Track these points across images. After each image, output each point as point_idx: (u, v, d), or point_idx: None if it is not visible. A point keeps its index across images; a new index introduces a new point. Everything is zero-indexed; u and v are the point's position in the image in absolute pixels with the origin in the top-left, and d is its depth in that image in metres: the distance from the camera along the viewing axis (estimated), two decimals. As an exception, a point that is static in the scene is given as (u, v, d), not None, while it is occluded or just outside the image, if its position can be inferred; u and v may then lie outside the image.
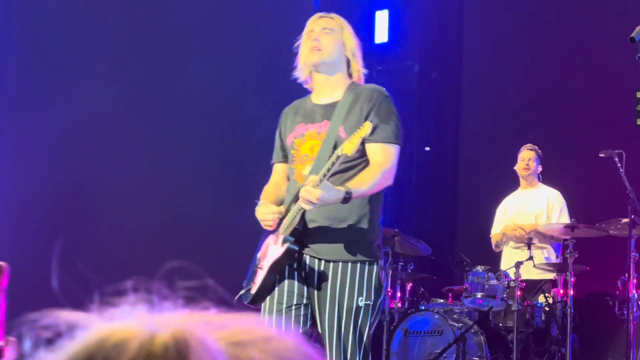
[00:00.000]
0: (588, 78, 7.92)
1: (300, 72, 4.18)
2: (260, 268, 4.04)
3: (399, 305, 7.18)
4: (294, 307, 3.95)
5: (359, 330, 3.90)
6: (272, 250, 4.01)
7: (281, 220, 4.00)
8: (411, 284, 7.40)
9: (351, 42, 4.17)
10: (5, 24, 9.18)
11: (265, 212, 4.01)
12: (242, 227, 4.54)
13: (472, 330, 6.74)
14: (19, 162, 8.70)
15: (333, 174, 3.78)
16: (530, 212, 7.13)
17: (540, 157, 7.26)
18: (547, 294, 6.79)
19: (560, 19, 8.31)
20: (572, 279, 6.42)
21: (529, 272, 6.77)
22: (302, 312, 3.96)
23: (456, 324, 6.75)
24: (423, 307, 7.04)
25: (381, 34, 8.82)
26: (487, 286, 6.71)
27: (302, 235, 3.93)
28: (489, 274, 6.74)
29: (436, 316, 6.82)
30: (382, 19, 8.83)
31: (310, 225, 3.92)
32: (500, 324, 6.77)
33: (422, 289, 7.40)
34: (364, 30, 8.80)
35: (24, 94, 8.83)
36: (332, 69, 4.12)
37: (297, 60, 4.18)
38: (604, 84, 7.75)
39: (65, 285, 1.06)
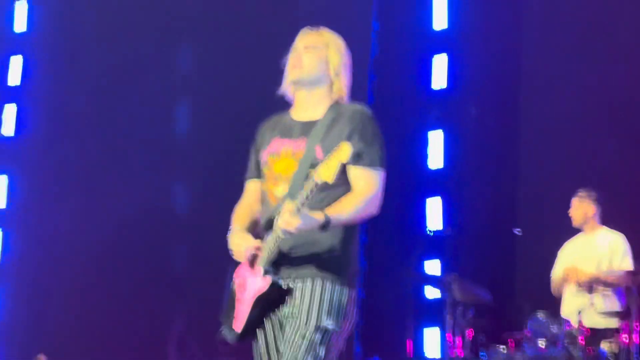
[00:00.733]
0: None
1: (285, 89, 4.03)
2: (240, 303, 3.85)
3: (459, 354, 7.07)
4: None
5: (317, 354, 3.68)
6: (252, 282, 3.83)
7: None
8: (471, 331, 7.28)
9: (336, 59, 3.99)
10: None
11: (241, 243, 3.83)
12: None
13: (534, 379, 6.61)
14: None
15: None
16: (591, 258, 6.99)
17: (597, 200, 7.12)
18: (611, 341, 6.63)
19: (623, 65, 8.22)
20: (637, 327, 6.28)
21: (592, 319, 6.62)
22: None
23: (518, 372, 6.62)
24: (483, 355, 6.92)
25: (439, 79, 8.78)
26: (548, 333, 6.58)
27: (277, 263, 3.76)
28: (550, 320, 6.61)
29: (497, 364, 6.71)
30: (440, 63, 8.79)
31: (284, 250, 3.73)
32: (563, 372, 6.62)
33: (482, 336, 7.28)
34: (422, 75, 8.78)
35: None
36: (313, 87, 3.96)
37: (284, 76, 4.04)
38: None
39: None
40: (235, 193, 4.00)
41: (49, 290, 9.14)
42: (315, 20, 4.15)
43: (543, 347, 6.56)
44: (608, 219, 7.12)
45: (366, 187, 3.70)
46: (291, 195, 3.71)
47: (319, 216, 3.61)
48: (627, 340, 6.40)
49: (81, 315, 8.89)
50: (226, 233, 3.83)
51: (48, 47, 9.80)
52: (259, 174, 4.03)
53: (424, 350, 8.29)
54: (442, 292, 7.35)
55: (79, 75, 9.55)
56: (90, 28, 9.59)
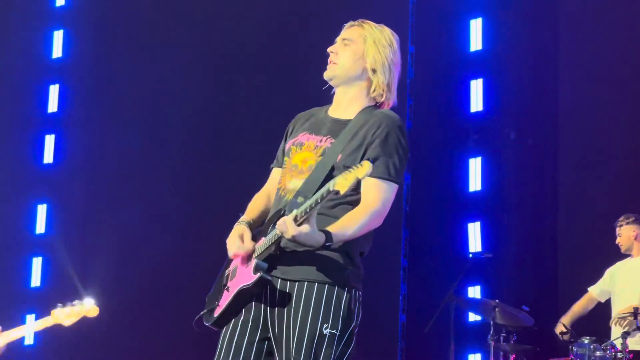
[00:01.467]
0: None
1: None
2: (226, 289, 3.72)
3: (503, 379, 7.04)
4: (255, 342, 3.62)
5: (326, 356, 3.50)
6: (241, 272, 3.69)
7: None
8: (514, 356, 7.23)
9: (374, 54, 3.76)
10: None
11: (232, 244, 3.70)
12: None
13: (580, 404, 6.55)
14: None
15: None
16: (637, 282, 6.96)
17: (638, 221, 7.13)
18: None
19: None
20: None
21: (638, 343, 6.57)
22: (261, 348, 3.63)
23: (563, 398, 6.57)
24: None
25: (476, 103, 8.76)
26: (593, 358, 6.51)
27: (273, 257, 3.61)
28: (595, 345, 6.55)
29: (542, 390, 6.65)
30: (477, 87, 8.78)
31: (283, 248, 3.59)
32: (608, 397, 6.55)
33: (526, 361, 7.24)
34: (460, 99, 8.76)
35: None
36: (349, 84, 3.78)
37: None
38: None
39: None
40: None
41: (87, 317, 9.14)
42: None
43: (588, 371, 6.50)
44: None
45: (374, 201, 3.55)
46: (302, 193, 3.60)
47: (320, 236, 3.45)
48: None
49: (120, 344, 8.91)
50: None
51: (85, 74, 9.86)
52: (282, 163, 3.90)
53: (467, 375, 8.26)
54: (484, 316, 7.32)
55: (116, 101, 9.60)
56: (127, 55, 9.65)
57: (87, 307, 5.59)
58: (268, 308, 3.63)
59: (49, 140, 9.79)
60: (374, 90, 3.77)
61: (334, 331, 3.54)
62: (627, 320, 6.66)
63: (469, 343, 8.11)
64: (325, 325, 3.53)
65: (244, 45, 9.12)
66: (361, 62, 3.78)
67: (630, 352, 6.44)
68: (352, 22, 3.90)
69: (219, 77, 9.14)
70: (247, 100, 8.94)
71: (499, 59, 8.75)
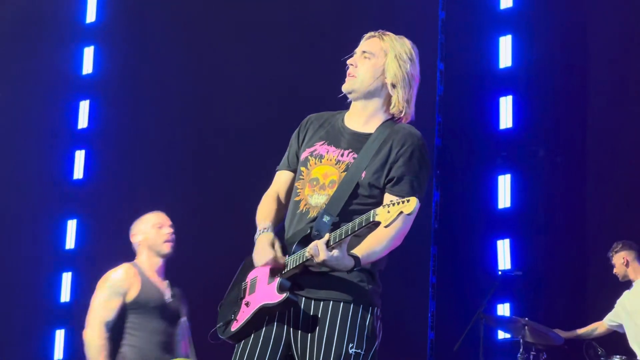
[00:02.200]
0: None
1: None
2: (245, 304, 3.67)
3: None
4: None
5: None
6: (263, 288, 3.64)
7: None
8: (544, 374, 7.19)
9: (394, 69, 3.69)
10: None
11: (268, 252, 3.57)
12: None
13: None
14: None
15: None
16: None
17: (631, 246, 7.15)
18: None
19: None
20: None
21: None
22: None
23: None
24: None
25: (506, 120, 8.74)
26: (623, 376, 6.48)
27: (296, 275, 3.57)
28: (625, 364, 6.52)
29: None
30: (506, 104, 8.76)
31: (307, 267, 3.56)
32: (639, 417, 6.51)
33: (556, 380, 7.19)
34: (489, 116, 8.74)
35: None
36: (369, 99, 3.73)
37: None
38: None
39: None
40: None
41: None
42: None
43: (619, 391, 6.46)
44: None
45: (398, 220, 3.41)
46: (327, 211, 3.58)
47: (349, 261, 3.44)
48: None
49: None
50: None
51: (114, 90, 9.92)
52: (292, 166, 3.84)
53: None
54: (513, 335, 7.29)
55: (145, 117, 9.65)
56: (156, 71, 9.70)
57: None
58: (292, 326, 3.60)
59: (79, 156, 9.85)
60: (394, 106, 3.74)
61: (359, 350, 3.53)
62: None
63: (499, 362, 8.08)
64: (350, 345, 3.52)
65: (276, 60, 9.13)
66: (381, 77, 3.73)
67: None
68: (372, 33, 3.85)
69: (251, 91, 9.15)
70: (275, 109, 8.92)
71: (528, 76, 8.73)
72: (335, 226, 3.51)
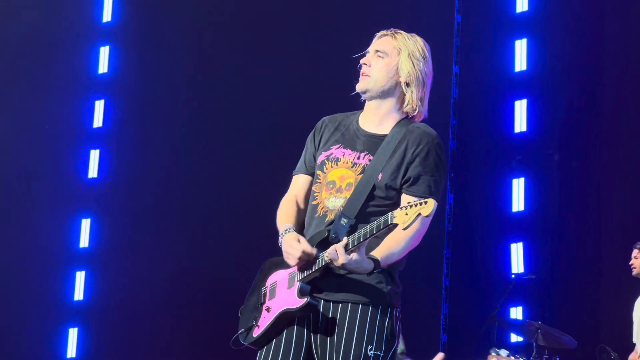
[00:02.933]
0: None
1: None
2: (266, 309, 3.68)
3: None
4: None
5: None
6: (283, 293, 3.64)
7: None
8: (557, 378, 7.18)
9: (408, 67, 3.69)
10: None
11: (297, 247, 3.54)
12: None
13: None
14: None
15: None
16: None
17: None
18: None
19: None
20: None
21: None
22: None
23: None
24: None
25: (520, 123, 8.73)
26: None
27: (316, 278, 3.57)
28: (639, 367, 6.50)
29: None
30: (521, 108, 8.75)
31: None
32: (652, 422, 6.49)
33: (568, 384, 7.18)
34: (504, 119, 8.73)
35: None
36: (383, 98, 3.72)
37: None
38: None
39: None
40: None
41: (130, 332, 9.20)
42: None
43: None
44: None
45: (416, 221, 3.43)
46: (345, 214, 3.58)
47: (368, 264, 3.45)
48: None
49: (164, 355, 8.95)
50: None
51: (130, 90, 9.94)
52: (309, 169, 3.84)
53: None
54: (526, 338, 7.28)
55: (160, 117, 9.67)
56: (171, 71, 9.71)
57: None
58: (312, 329, 3.62)
59: (94, 155, 9.87)
60: (407, 105, 3.74)
61: (379, 352, 3.54)
62: None
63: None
64: (370, 347, 3.53)
65: (291, 61, 9.13)
66: (395, 76, 3.74)
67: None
68: (384, 32, 3.85)
69: (266, 91, 9.16)
70: (290, 110, 8.91)
71: (543, 80, 8.72)
72: (352, 228, 3.52)
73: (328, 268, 3.56)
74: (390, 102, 3.77)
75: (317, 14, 9.21)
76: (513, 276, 7.94)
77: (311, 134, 3.92)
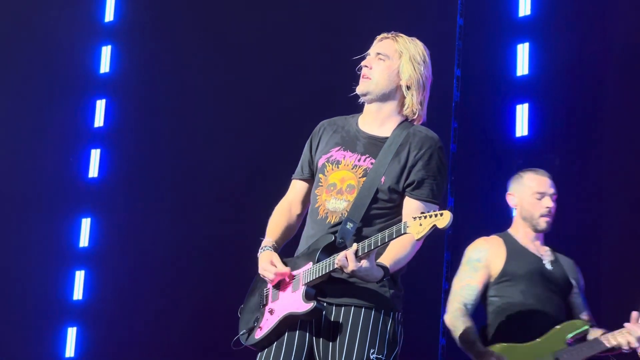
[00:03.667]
0: None
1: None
2: (269, 311, 3.70)
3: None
4: None
5: None
6: (287, 296, 3.65)
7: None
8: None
9: (409, 71, 3.75)
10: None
11: (270, 270, 3.61)
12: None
13: None
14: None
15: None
16: None
17: None
18: None
19: None
20: None
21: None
22: None
23: None
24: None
25: (522, 127, 8.73)
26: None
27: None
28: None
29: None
30: (522, 112, 8.74)
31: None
32: None
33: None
34: (505, 123, 8.73)
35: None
36: (383, 101, 3.76)
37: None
38: None
39: None
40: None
41: (129, 331, 9.20)
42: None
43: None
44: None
45: None
46: (350, 219, 3.60)
47: (378, 272, 3.50)
48: None
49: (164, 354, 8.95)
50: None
51: (131, 89, 9.95)
52: (305, 174, 3.90)
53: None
54: (524, 342, 7.27)
55: (162, 117, 9.67)
56: (174, 71, 9.72)
57: None
58: (314, 332, 3.66)
59: (95, 155, 9.87)
60: (407, 108, 3.81)
61: (380, 356, 3.61)
62: None
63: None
64: (372, 351, 3.58)
65: (300, 60, 9.13)
66: (396, 79, 3.80)
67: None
68: (385, 35, 3.91)
69: (269, 92, 9.16)
70: (295, 111, 8.91)
71: (545, 85, 8.72)
72: (358, 232, 3.54)
73: (333, 272, 3.57)
74: (390, 105, 3.81)
75: (319, 17, 9.21)
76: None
77: (309, 138, 3.95)
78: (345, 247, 3.49)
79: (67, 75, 10.08)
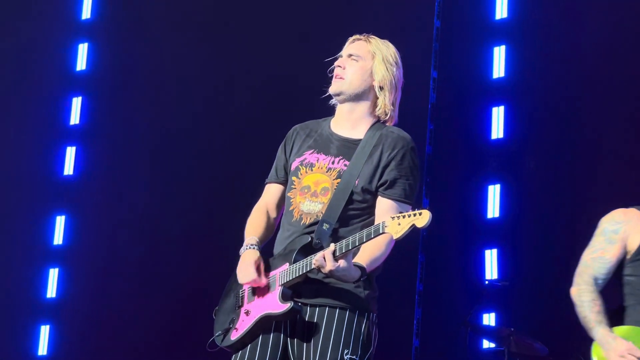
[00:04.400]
0: None
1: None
2: (245, 312, 3.69)
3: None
4: None
5: None
6: (263, 297, 3.65)
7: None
8: (528, 385, 7.21)
9: (381, 72, 3.75)
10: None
11: (251, 274, 3.58)
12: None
13: None
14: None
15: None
16: None
17: None
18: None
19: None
20: None
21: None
22: None
23: None
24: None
25: (497, 130, 8.76)
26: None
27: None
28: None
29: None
30: (498, 114, 8.77)
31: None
32: None
33: (539, 391, 7.21)
34: (481, 126, 8.75)
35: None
36: (356, 102, 3.76)
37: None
38: None
39: None
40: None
41: (103, 330, 9.17)
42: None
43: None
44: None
45: None
46: (326, 220, 3.62)
47: (356, 272, 3.49)
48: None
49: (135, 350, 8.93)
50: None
51: (108, 87, 9.91)
52: (280, 178, 3.88)
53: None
54: (498, 344, 7.30)
55: (138, 115, 9.64)
56: (150, 69, 9.70)
57: None
58: (288, 332, 3.65)
59: (70, 152, 9.84)
60: (380, 109, 3.80)
61: (354, 357, 3.58)
62: None
63: (483, 371, 8.09)
64: (346, 351, 3.56)
65: (274, 61, 9.12)
66: (369, 79, 3.79)
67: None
68: (357, 36, 3.91)
69: (250, 91, 9.15)
70: (272, 109, 8.90)
71: (521, 87, 8.75)
72: (334, 233, 3.54)
73: (309, 273, 3.57)
74: (363, 106, 3.81)
75: (294, 20, 9.20)
76: (487, 282, 7.95)
77: (282, 143, 3.96)
78: (321, 248, 3.49)
79: (43, 72, 10.04)
